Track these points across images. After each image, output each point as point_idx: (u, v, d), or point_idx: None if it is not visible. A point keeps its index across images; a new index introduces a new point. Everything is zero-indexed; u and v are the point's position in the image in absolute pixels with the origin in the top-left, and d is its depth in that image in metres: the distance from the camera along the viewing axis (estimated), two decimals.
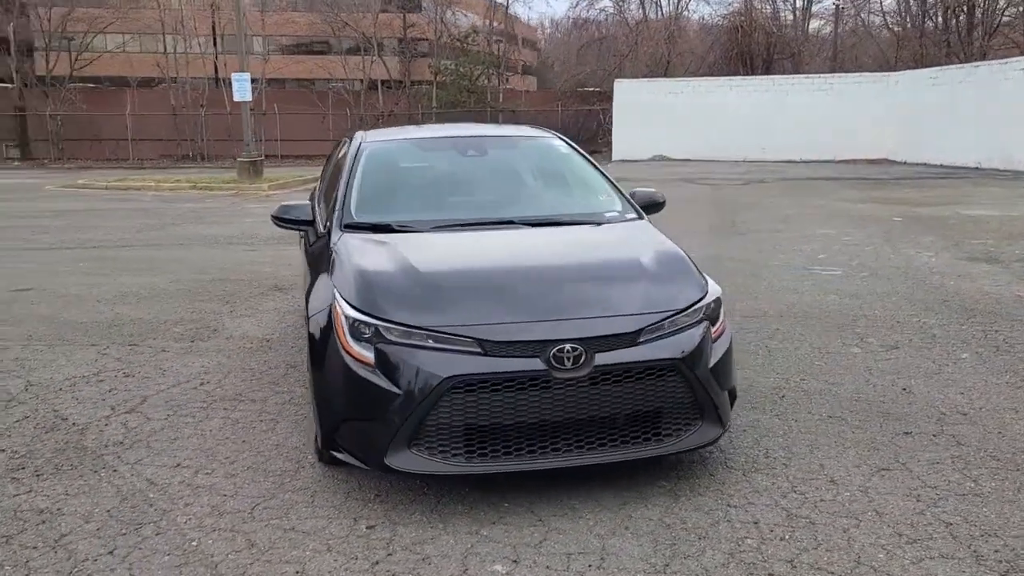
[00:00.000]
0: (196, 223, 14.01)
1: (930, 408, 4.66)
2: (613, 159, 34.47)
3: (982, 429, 4.31)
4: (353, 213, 4.39)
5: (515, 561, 3.09)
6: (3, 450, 4.21)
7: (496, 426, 3.35)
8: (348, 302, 3.55)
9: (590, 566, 3.06)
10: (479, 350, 3.33)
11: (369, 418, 3.37)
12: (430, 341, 3.36)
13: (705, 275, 4.00)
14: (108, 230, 13.07)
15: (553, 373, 3.33)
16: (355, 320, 3.47)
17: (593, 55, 48.01)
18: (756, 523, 3.38)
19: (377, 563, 3.08)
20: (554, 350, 3.34)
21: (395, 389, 3.32)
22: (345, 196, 4.49)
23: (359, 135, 5.20)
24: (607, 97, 35.64)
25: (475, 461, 3.36)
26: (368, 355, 3.39)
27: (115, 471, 3.93)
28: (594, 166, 5.01)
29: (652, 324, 3.53)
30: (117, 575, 3.03)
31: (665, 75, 41.46)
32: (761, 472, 3.85)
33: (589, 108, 39.40)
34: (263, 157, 23.05)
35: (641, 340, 3.48)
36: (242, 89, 21.48)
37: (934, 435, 4.28)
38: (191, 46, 39.41)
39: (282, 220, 4.62)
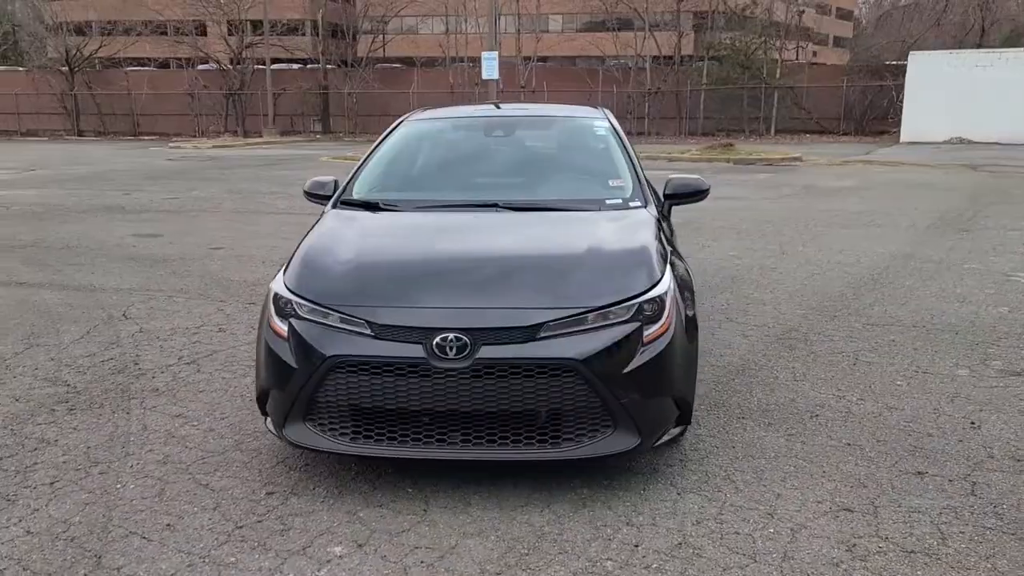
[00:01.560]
0: None
1: (979, 448, 3.91)
2: (901, 140, 31.55)
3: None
4: (354, 189, 4.54)
5: (359, 546, 3.09)
6: (66, 384, 4.88)
7: (380, 410, 3.35)
8: (282, 276, 3.71)
9: (422, 562, 2.99)
10: (370, 332, 3.35)
11: (278, 389, 3.51)
12: (328, 319, 3.42)
13: (664, 271, 3.66)
14: None
15: (432, 362, 3.26)
16: (277, 294, 3.62)
17: (894, 25, 43.96)
18: (636, 546, 3.08)
19: (241, 527, 3.22)
20: (437, 338, 3.26)
21: (294, 363, 3.43)
22: (356, 172, 4.65)
23: (412, 113, 5.32)
24: (902, 71, 32.62)
25: (359, 442, 3.39)
26: (284, 329, 3.53)
27: (128, 414, 4.42)
28: (624, 149, 4.71)
29: (555, 320, 3.32)
30: (40, 503, 3.44)
31: (979, 46, 37.05)
32: (698, 494, 3.48)
33: (881, 84, 36.28)
34: None
35: (541, 336, 3.29)
36: (490, 68, 22.40)
37: (951, 480, 3.60)
38: (470, 26, 41.60)
39: (311, 195, 4.87)
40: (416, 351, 3.27)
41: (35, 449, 3.97)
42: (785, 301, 6.79)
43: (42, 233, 10.58)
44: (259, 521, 3.27)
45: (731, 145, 25.54)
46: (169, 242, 9.86)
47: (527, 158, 5.01)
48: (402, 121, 5.19)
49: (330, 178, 4.78)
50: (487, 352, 3.26)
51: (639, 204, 4.30)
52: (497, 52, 22.68)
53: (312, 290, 3.56)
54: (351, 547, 3.08)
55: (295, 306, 3.52)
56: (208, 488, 3.56)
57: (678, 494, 3.49)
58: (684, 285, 3.89)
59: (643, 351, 3.40)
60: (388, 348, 3.31)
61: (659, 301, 3.50)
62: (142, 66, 43.04)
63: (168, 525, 3.25)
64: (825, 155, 24.54)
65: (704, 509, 3.36)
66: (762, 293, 7.07)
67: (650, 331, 3.44)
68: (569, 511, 3.34)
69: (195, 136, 36.55)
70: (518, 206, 4.24)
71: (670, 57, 40.50)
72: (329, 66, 40.95)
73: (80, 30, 40.90)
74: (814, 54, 42.95)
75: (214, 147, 30.39)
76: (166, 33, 41.36)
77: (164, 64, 43.56)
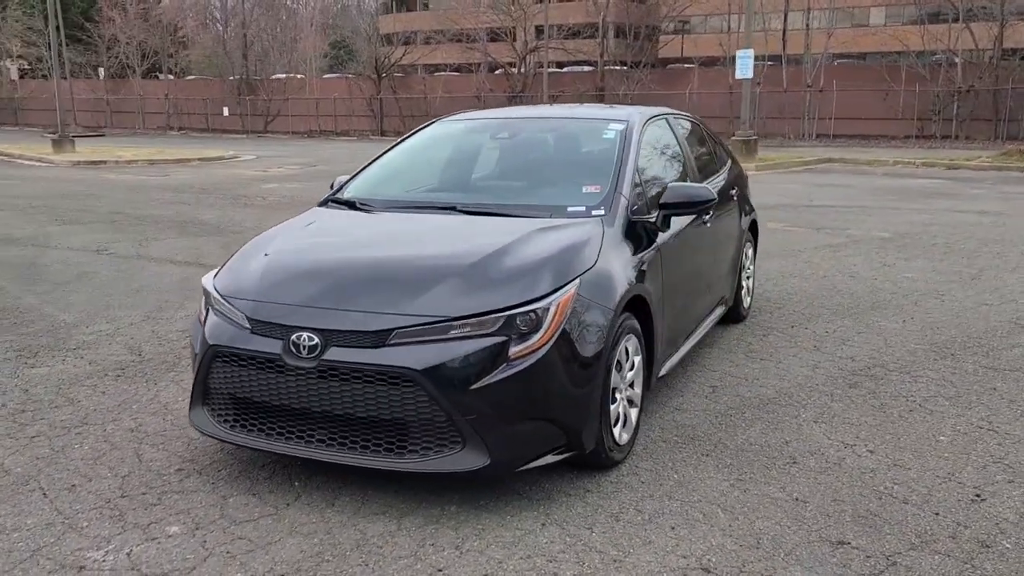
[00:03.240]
0: None
1: (957, 525, 3.18)
2: None
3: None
4: (346, 188, 4.66)
5: (194, 529, 3.22)
6: (138, 354, 5.51)
7: (251, 402, 3.45)
8: (216, 270, 3.95)
9: (228, 552, 3.06)
10: (247, 326, 3.46)
11: (192, 374, 3.75)
12: (224, 311, 3.59)
13: (563, 284, 3.38)
14: None
15: (285, 358, 3.30)
16: (203, 286, 3.86)
17: None
18: (439, 571, 2.91)
19: (123, 497, 3.49)
20: (293, 336, 3.30)
21: (196, 350, 3.65)
22: (359, 171, 4.78)
23: (446, 115, 5.34)
24: None
25: (236, 431, 3.52)
26: (202, 317, 3.76)
27: (154, 386, 4.91)
28: (623, 156, 4.34)
29: (406, 327, 3.21)
30: (5, 453, 3.96)
31: None
32: (563, 527, 3.20)
33: None
34: (756, 136, 22.66)
35: (391, 342, 3.20)
36: (744, 67, 21.41)
37: (868, 556, 2.97)
38: (757, 23, 39.86)
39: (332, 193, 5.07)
40: (275, 347, 3.34)
41: (56, 407, 4.56)
42: (908, 333, 5.88)
43: (259, 222, 11.88)
44: (143, 494, 3.53)
45: None
46: None
47: (518, 162, 4.83)
48: (430, 124, 5.22)
49: (347, 177, 4.93)
50: (334, 354, 3.25)
51: (600, 214, 3.98)
52: (752, 50, 21.60)
53: (223, 283, 3.76)
54: (186, 529, 3.23)
55: (211, 298, 3.74)
56: (139, 459, 3.88)
57: (541, 525, 3.24)
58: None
59: (506, 367, 3.18)
60: (255, 342, 3.41)
61: (534, 316, 3.26)
62: (438, 72, 46.49)
63: (73, 486, 3.61)
64: None
65: (550, 545, 3.10)
66: (891, 322, 6.17)
67: (519, 347, 3.21)
68: (414, 524, 3.24)
69: None
70: (475, 210, 4.12)
71: (988, 51, 35.91)
72: (615, 67, 41.44)
73: (388, 40, 45.06)
74: None
75: None
76: (461, 41, 44.27)
77: (456, 69, 46.66)
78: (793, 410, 4.43)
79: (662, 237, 4.28)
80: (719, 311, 5.57)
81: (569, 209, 4.03)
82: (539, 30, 40.66)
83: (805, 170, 20.53)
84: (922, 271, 8.03)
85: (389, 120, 42.55)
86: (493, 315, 3.24)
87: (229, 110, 44.17)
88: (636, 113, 4.86)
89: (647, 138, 4.70)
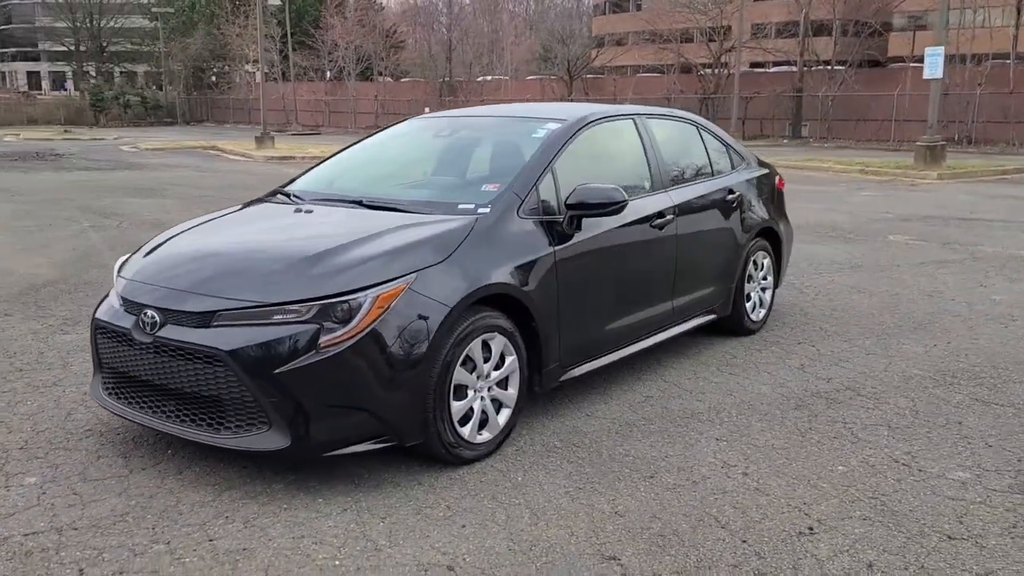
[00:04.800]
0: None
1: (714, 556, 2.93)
2: None
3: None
4: (296, 180, 4.91)
5: (47, 481, 3.58)
6: None
7: (120, 373, 3.78)
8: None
9: (53, 504, 3.37)
10: (120, 304, 3.81)
11: None
12: (114, 289, 3.96)
13: (396, 277, 3.47)
14: None
15: (133, 333, 3.60)
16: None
17: None
18: (211, 541, 3.10)
19: (8, 451, 3.92)
20: (142, 313, 3.60)
21: None
22: (315, 165, 5.05)
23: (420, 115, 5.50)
24: None
25: (109, 400, 3.85)
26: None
27: None
28: (547, 155, 4.27)
29: (227, 310, 3.42)
30: None
31: None
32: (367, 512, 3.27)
33: None
34: (943, 143, 20.66)
35: (214, 324, 3.42)
36: (932, 66, 19.70)
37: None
38: (983, 19, 36.41)
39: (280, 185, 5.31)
40: (129, 323, 3.66)
41: (65, 364, 5.16)
42: (922, 359, 5.33)
43: None
44: (51, 449, 3.94)
45: None
46: None
47: (447, 159, 4.88)
48: (399, 122, 5.37)
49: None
50: (167, 332, 3.51)
51: (485, 212, 3.97)
52: (942, 48, 19.72)
53: (122, 263, 4.17)
54: (40, 481, 3.59)
55: (113, 276, 4.13)
56: (67, 418, 4.33)
57: (342, 510, 3.34)
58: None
59: (315, 354, 3.31)
60: (122, 318, 3.74)
61: (347, 307, 3.35)
62: (631, 73, 46.16)
63: (24, 444, 4.07)
64: None
65: (332, 529, 3.20)
66: (917, 346, 5.62)
67: (329, 336, 3.32)
68: (231, 498, 3.44)
69: None
70: (375, 204, 4.23)
71: None
72: (818, 67, 39.35)
73: (600, 42, 45.35)
74: None
75: None
76: (654, 41, 43.71)
77: (649, 70, 46.11)
78: (706, 427, 4.19)
79: (577, 238, 4.20)
80: (697, 321, 5.32)
81: (459, 206, 4.06)
82: (728, 29, 39.43)
83: (998, 180, 18.55)
84: (1019, 295, 7.15)
85: None
86: (308, 303, 3.37)
87: (430, 110, 46.40)
88: (580, 112, 4.77)
89: (585, 139, 4.60)
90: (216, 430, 3.46)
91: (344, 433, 3.41)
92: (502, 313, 3.83)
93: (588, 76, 44.53)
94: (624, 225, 4.55)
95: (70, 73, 71.16)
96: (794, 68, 39.54)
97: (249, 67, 59.38)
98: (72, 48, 67.34)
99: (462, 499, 3.44)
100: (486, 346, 3.77)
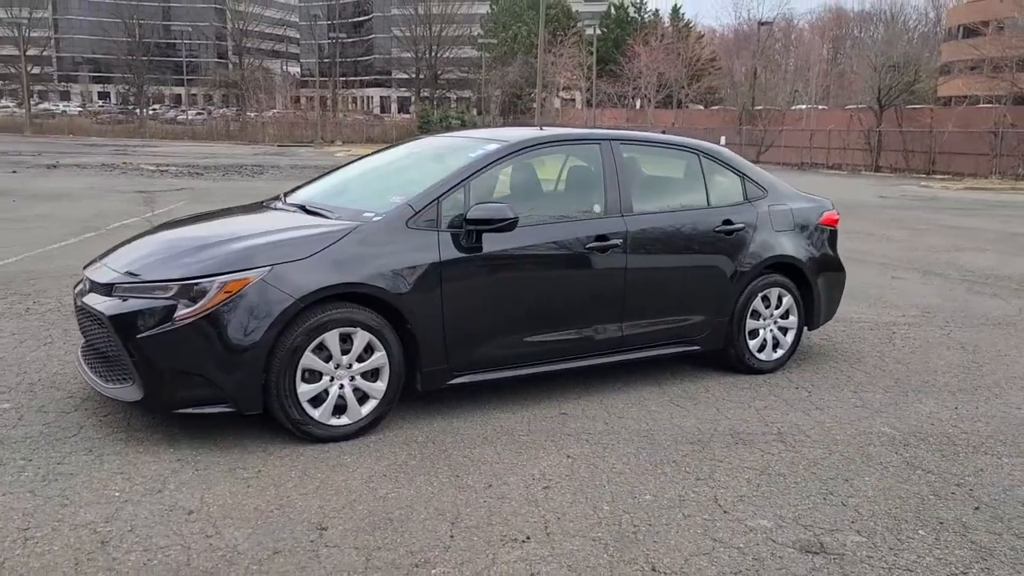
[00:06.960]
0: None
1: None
2: None
3: None
4: (299, 190, 5.54)
5: (15, 406, 4.56)
6: None
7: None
8: None
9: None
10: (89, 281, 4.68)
11: None
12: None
13: (247, 269, 3.99)
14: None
15: (77, 299, 4.46)
16: None
17: None
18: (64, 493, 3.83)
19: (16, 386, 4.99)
20: (81, 284, 4.46)
21: None
22: (318, 176, 5.70)
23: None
24: None
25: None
26: None
27: None
28: (466, 172, 4.58)
29: (120, 283, 4.15)
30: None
31: None
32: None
33: None
34: None
35: (113, 295, 4.16)
36: None
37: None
38: None
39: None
40: (79, 290, 4.53)
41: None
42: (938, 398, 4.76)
43: None
44: (39, 387, 4.98)
45: None
46: None
47: (401, 174, 5.28)
48: (405, 141, 5.86)
49: None
50: (87, 298, 4.31)
51: (377, 220, 4.35)
52: None
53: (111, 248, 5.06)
54: (11, 408, 4.58)
55: None
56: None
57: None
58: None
59: (169, 325, 3.94)
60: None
61: (199, 289, 3.94)
62: (947, 104, 41.78)
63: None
64: None
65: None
66: (927, 405, 5.00)
67: (182, 312, 3.94)
68: (113, 452, 4.12)
69: (989, 176, 34.25)
70: (311, 210, 4.74)
71: None
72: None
73: (946, 69, 41.83)
74: None
75: (967, 188, 28.29)
76: (981, 70, 39.24)
77: (976, 101, 41.34)
78: (571, 444, 4.20)
79: (488, 250, 4.46)
80: (669, 349, 5.22)
81: (364, 214, 4.46)
82: None
83: None
84: None
85: (887, 155, 39.77)
86: (172, 282, 4.02)
87: (726, 139, 45.65)
88: (525, 136, 5.01)
89: (522, 162, 4.85)
90: (110, 383, 4.21)
91: (189, 394, 3.99)
92: (372, 311, 4.19)
93: (907, 107, 41.17)
94: (548, 243, 4.67)
95: (413, 98, 79.79)
96: None
97: (563, 93, 62.63)
98: (413, 76, 75.52)
99: (266, 462, 3.85)
100: (347, 338, 4.16)
